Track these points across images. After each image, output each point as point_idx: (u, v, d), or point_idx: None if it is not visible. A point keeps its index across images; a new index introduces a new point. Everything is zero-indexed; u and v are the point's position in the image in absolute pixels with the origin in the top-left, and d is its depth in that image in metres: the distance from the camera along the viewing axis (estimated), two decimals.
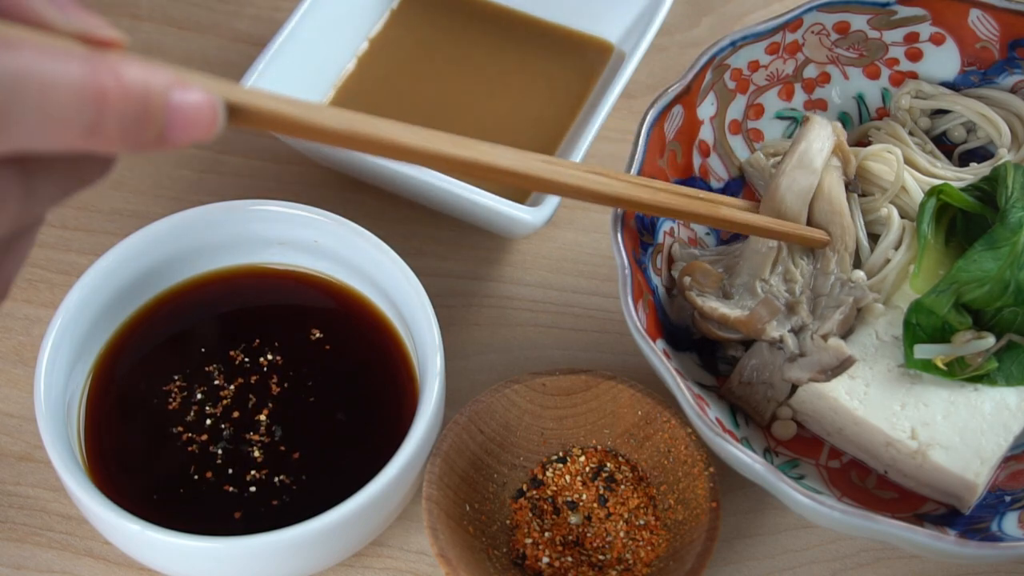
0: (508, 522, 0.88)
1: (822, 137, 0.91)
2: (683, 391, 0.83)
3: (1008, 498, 0.86)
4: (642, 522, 0.87)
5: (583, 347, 0.97)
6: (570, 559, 0.86)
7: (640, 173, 0.89)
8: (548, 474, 0.89)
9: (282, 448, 0.87)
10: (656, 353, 0.84)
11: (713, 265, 0.91)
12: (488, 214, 0.95)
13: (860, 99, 1.00)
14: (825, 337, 0.87)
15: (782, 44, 0.97)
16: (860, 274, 0.90)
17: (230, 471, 0.86)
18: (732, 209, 0.89)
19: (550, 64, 1.06)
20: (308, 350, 0.91)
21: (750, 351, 0.90)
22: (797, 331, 0.88)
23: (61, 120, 0.56)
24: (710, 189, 0.96)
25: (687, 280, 0.90)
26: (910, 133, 0.98)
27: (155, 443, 0.88)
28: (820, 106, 0.99)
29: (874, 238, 0.94)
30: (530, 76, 1.05)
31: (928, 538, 0.78)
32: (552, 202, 0.93)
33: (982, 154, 0.98)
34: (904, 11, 0.97)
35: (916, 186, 0.93)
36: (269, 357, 0.90)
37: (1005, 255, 0.87)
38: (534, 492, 0.89)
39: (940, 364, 0.87)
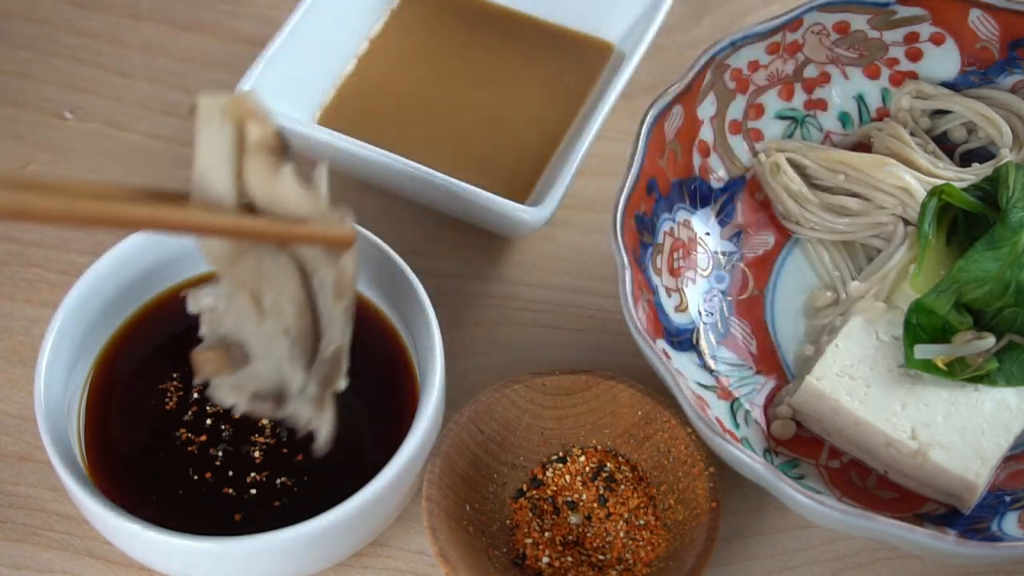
0: (508, 522, 0.88)
1: (213, 143, 0.70)
2: (683, 391, 0.83)
3: (1008, 498, 0.86)
4: (642, 522, 0.87)
5: (583, 347, 0.97)
6: (570, 559, 0.86)
7: (640, 172, 0.89)
8: (548, 474, 0.89)
9: (284, 451, 0.87)
10: (656, 353, 0.84)
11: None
12: (488, 214, 0.95)
13: (860, 99, 1.00)
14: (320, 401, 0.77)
15: (782, 44, 0.97)
16: (856, 285, 0.91)
17: (230, 472, 0.86)
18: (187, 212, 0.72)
19: (550, 64, 1.06)
20: None
21: None
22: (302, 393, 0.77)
23: None
24: (711, 189, 0.96)
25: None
26: (911, 134, 0.98)
27: (155, 443, 0.87)
28: (820, 106, 0.99)
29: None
30: (530, 76, 1.05)
31: (928, 538, 0.78)
32: (552, 202, 0.93)
33: (983, 154, 0.98)
34: (904, 11, 0.97)
35: (918, 186, 0.93)
36: None
37: (1006, 255, 0.87)
38: (534, 492, 0.89)
39: (940, 364, 0.87)
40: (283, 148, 0.73)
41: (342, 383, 0.77)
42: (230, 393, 0.78)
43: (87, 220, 0.69)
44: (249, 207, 0.73)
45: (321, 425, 0.77)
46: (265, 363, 0.76)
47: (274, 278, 0.74)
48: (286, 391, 0.77)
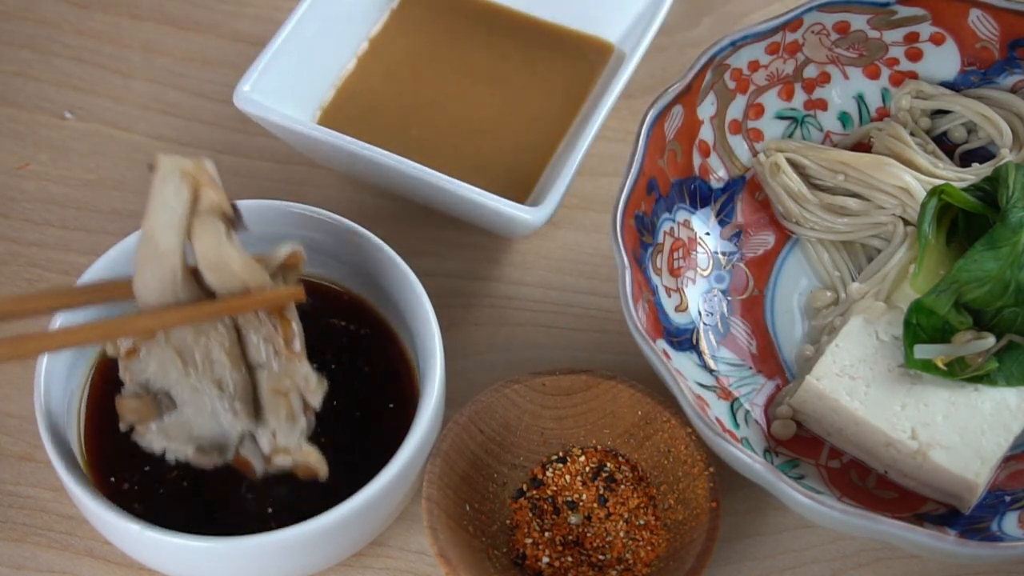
0: (508, 522, 0.88)
1: (169, 201, 0.75)
2: (683, 391, 0.83)
3: (1008, 498, 0.86)
4: (642, 522, 0.87)
5: (583, 347, 0.97)
6: (570, 559, 0.86)
7: (640, 172, 0.89)
8: (548, 474, 0.89)
9: None
10: (656, 353, 0.84)
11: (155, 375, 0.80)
12: (488, 214, 0.95)
13: (860, 99, 1.00)
14: (286, 449, 0.80)
15: (782, 44, 0.97)
16: (856, 286, 0.91)
17: (230, 472, 0.86)
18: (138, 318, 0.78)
19: (550, 64, 1.06)
20: (308, 350, 0.91)
21: None
22: (253, 436, 0.80)
23: None
24: (710, 188, 0.96)
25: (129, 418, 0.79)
26: (911, 134, 0.98)
27: None
28: (820, 106, 0.99)
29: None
30: (530, 76, 1.05)
31: (928, 538, 0.78)
32: (552, 202, 0.93)
33: (983, 154, 0.98)
34: (904, 11, 0.97)
35: (918, 186, 0.93)
36: None
37: (1006, 255, 0.87)
38: (534, 492, 0.89)
39: (940, 364, 0.87)
40: (234, 218, 0.78)
41: (302, 424, 0.80)
42: (158, 438, 0.80)
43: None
44: (192, 269, 0.78)
45: (308, 462, 0.81)
46: (196, 411, 0.79)
47: (207, 333, 0.78)
48: (227, 442, 0.80)
